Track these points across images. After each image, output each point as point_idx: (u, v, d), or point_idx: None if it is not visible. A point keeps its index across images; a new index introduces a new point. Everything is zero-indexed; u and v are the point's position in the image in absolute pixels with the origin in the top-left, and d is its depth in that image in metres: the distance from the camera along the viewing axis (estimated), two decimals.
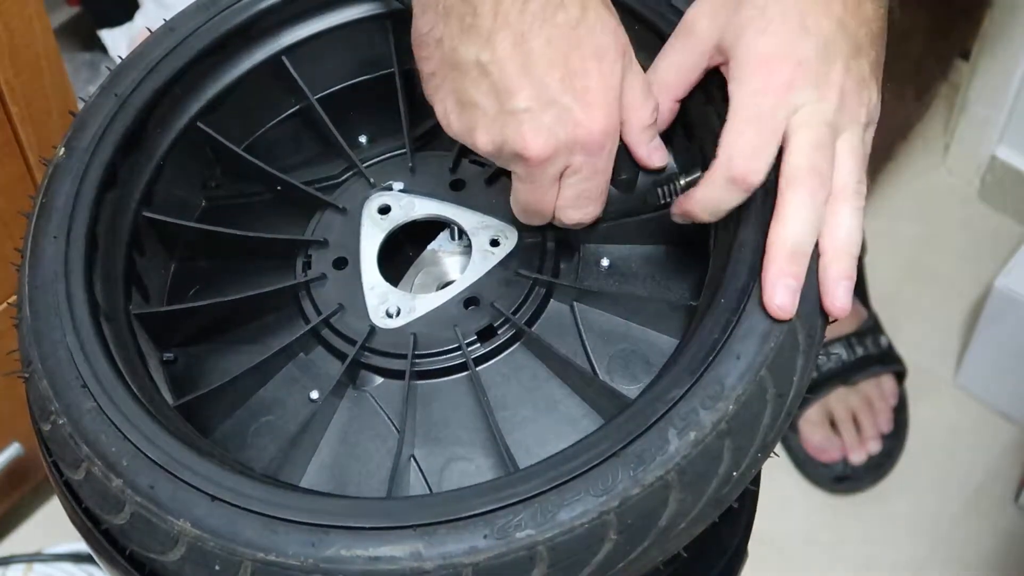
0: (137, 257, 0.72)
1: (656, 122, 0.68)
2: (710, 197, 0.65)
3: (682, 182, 0.69)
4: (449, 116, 0.66)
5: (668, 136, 0.71)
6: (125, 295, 0.70)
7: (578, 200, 0.67)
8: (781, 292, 0.61)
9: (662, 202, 0.70)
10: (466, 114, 0.65)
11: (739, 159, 0.63)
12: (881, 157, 1.51)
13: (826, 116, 0.64)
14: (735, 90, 0.64)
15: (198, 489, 0.58)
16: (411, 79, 0.75)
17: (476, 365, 0.69)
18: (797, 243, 0.62)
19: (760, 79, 0.64)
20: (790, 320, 0.61)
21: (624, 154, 0.68)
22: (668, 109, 0.69)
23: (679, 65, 0.68)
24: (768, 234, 0.63)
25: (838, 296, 0.63)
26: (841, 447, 1.53)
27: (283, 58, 0.78)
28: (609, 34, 0.64)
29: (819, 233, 0.64)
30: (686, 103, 0.70)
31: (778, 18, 0.64)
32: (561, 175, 0.66)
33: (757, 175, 0.63)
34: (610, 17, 0.65)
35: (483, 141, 0.65)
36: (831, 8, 0.64)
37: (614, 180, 0.69)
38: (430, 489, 0.66)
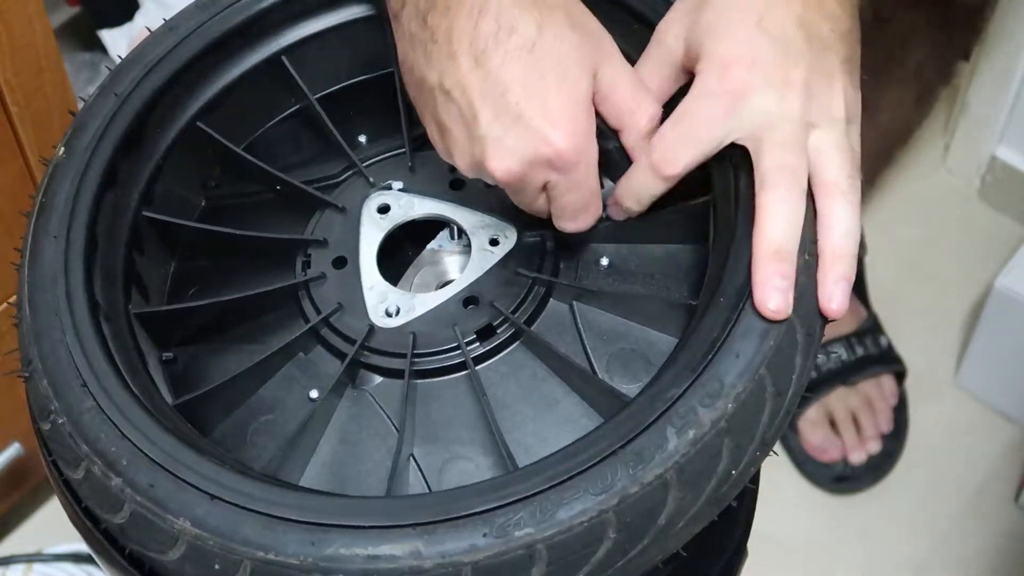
0: (137, 256, 0.73)
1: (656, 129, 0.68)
2: (634, 182, 0.67)
3: None
4: (435, 139, 0.68)
5: None
6: (125, 294, 0.70)
7: (565, 212, 0.68)
8: (772, 295, 0.61)
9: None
10: (445, 138, 0.67)
11: (659, 146, 0.65)
12: (881, 162, 1.51)
13: (791, 114, 0.64)
14: (691, 91, 0.65)
15: (198, 488, 0.58)
16: None
17: (475, 364, 0.69)
18: (780, 243, 0.62)
19: (714, 82, 0.64)
20: (787, 319, 0.61)
21: (623, 153, 0.68)
22: None
23: (651, 76, 0.69)
24: (752, 239, 0.63)
25: (835, 298, 0.63)
26: (841, 447, 1.53)
27: (283, 58, 0.78)
28: (570, 49, 0.64)
29: (816, 230, 0.64)
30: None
31: (735, 21, 0.64)
32: (544, 187, 0.67)
33: (673, 166, 0.65)
34: (571, 32, 0.64)
35: (461, 164, 0.67)
36: (790, 7, 0.64)
37: (616, 179, 0.69)
38: (429, 488, 0.66)
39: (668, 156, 0.66)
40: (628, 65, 0.67)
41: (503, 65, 0.63)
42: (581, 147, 0.64)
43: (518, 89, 0.63)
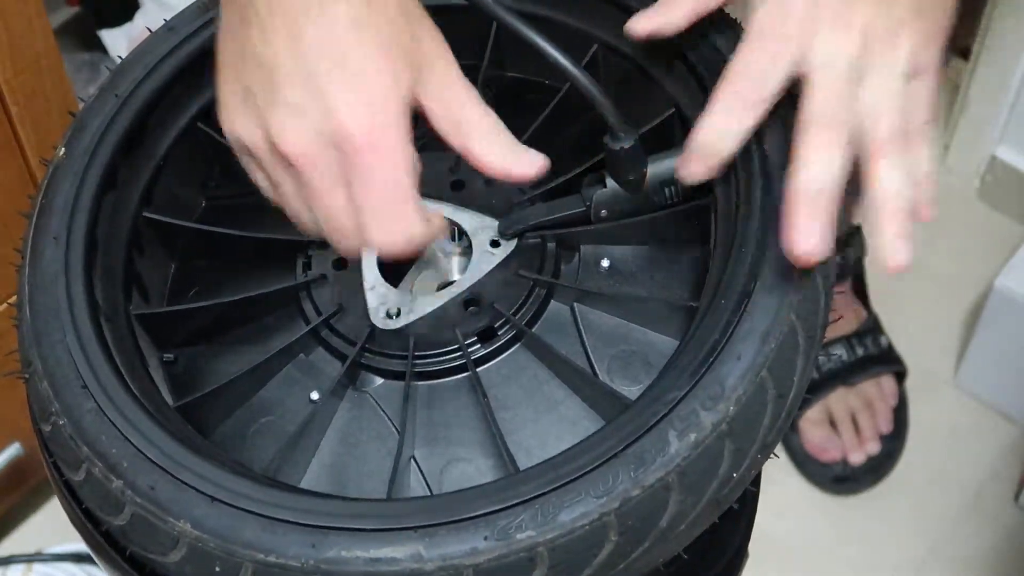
0: (137, 257, 0.72)
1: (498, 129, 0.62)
2: (703, 139, 0.64)
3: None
4: (227, 105, 0.61)
5: (670, 134, 0.71)
6: (125, 295, 0.70)
7: (364, 209, 0.59)
8: (807, 236, 0.59)
9: (669, 202, 0.70)
10: (242, 104, 0.60)
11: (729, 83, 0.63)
12: None
13: (844, 58, 0.62)
14: (747, 25, 0.63)
15: (198, 490, 0.58)
16: None
17: (476, 366, 0.69)
18: (819, 184, 0.60)
19: (770, 17, 0.62)
20: (788, 322, 0.61)
21: (629, 155, 0.68)
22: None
23: None
24: (786, 184, 0.61)
25: (899, 253, 0.61)
26: (841, 447, 1.53)
27: None
28: (396, 34, 0.59)
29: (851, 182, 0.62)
30: (684, 102, 0.70)
31: None
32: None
33: (752, 107, 0.63)
34: (400, 17, 0.59)
35: (247, 135, 0.60)
36: None
37: (620, 181, 0.69)
38: (430, 490, 0.66)
39: (743, 93, 0.63)
40: (458, 73, 0.61)
41: (323, 38, 0.58)
42: (378, 132, 0.58)
43: (331, 61, 0.57)
